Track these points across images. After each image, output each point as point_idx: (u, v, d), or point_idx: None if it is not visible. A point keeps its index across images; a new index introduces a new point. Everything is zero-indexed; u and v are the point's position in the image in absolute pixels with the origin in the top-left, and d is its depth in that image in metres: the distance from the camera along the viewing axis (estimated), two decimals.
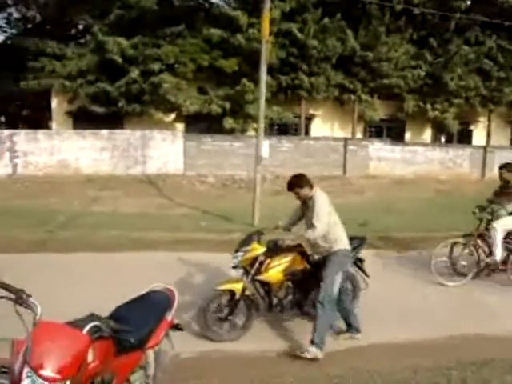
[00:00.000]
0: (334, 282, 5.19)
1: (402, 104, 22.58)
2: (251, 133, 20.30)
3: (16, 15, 29.01)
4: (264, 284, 5.56)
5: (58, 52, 20.62)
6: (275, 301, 5.58)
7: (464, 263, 7.88)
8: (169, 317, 3.73)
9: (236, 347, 5.30)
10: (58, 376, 2.57)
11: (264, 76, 12.30)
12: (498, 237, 7.65)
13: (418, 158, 21.80)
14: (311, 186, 5.44)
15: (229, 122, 20.53)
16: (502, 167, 7.92)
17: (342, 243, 5.39)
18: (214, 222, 12.06)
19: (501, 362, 5.05)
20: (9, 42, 28.51)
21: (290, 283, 5.60)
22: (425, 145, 22.93)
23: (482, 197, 8.36)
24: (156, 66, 19.36)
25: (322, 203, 5.28)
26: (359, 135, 23.50)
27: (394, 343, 5.56)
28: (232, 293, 5.36)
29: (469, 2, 22.36)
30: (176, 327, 4.06)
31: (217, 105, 20.15)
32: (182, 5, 20.26)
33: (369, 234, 8.75)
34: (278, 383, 4.60)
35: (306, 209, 5.54)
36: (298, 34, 19.93)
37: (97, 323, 2.88)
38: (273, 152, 19.71)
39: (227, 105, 20.21)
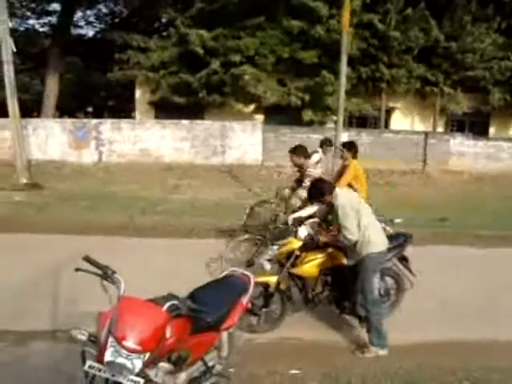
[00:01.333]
0: (370, 285, 5.02)
1: (486, 97, 21.58)
2: (330, 125, 20.14)
3: (104, 10, 30.31)
4: (299, 278, 5.45)
5: (142, 44, 21.35)
6: (311, 295, 5.44)
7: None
8: (244, 301, 3.80)
9: (310, 336, 5.34)
10: (139, 348, 2.74)
11: (344, 68, 12.23)
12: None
13: (502, 154, 20.84)
14: (331, 191, 5.11)
15: (308, 114, 20.47)
16: (290, 151, 7.16)
17: (372, 246, 5.01)
18: None
19: None
20: (98, 36, 29.82)
21: (328, 278, 5.47)
22: (511, 140, 21.95)
23: None
24: (236, 58, 19.59)
25: (344, 212, 4.96)
26: (440, 129, 22.80)
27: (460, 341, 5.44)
28: (266, 285, 5.29)
29: None
30: (251, 312, 4.16)
31: (296, 96, 20.15)
32: None
33: (446, 229, 8.58)
34: (349, 374, 4.59)
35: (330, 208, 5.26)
36: (379, 25, 19.57)
37: (175, 302, 3.04)
38: None
39: (306, 97, 20.16)
